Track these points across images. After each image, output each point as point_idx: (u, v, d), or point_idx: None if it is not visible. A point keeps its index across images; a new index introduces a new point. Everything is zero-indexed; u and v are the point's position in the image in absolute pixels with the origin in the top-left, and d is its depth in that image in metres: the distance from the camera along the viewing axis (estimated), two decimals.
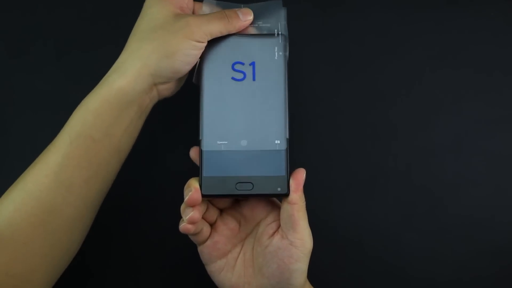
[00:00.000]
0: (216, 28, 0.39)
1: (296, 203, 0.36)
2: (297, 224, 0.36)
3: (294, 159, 0.49)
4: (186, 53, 0.38)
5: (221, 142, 0.38)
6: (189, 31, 0.37)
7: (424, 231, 0.48)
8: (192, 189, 0.36)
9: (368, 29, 0.52)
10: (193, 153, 0.39)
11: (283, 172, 0.37)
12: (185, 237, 0.47)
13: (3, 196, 0.38)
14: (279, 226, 0.38)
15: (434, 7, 0.53)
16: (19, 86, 0.51)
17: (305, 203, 0.37)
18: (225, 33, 0.39)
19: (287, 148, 0.37)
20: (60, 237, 0.37)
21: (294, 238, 0.36)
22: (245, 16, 0.40)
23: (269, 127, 0.38)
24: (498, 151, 0.49)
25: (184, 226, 0.36)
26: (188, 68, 0.39)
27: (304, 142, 0.50)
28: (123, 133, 0.38)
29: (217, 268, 0.39)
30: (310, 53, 0.52)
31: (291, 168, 0.37)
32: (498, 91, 0.51)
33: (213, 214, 0.39)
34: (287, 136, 0.38)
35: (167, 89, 0.41)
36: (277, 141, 0.38)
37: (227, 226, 0.40)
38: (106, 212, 0.48)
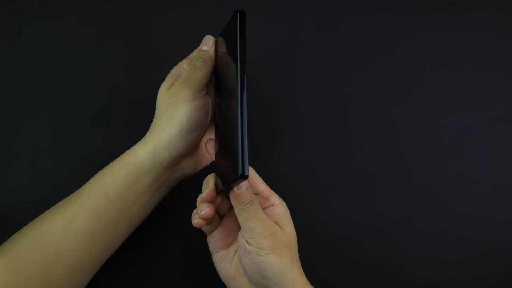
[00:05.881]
0: (198, 75, 0.40)
1: (235, 206, 0.37)
2: (244, 225, 0.37)
3: (294, 159, 0.49)
4: (188, 116, 0.39)
5: None
6: (182, 94, 0.40)
7: (424, 230, 0.48)
8: (211, 186, 0.37)
9: (368, 28, 0.52)
10: (209, 145, 0.40)
11: (239, 155, 0.33)
12: (186, 232, 0.47)
13: (20, 230, 0.40)
14: None
15: (434, 7, 0.53)
16: (20, 86, 0.51)
17: (248, 205, 0.36)
18: (210, 72, 0.40)
19: (240, 129, 0.34)
20: (59, 281, 0.39)
21: (247, 237, 0.37)
22: (204, 45, 0.41)
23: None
24: (499, 150, 0.49)
25: (197, 222, 0.38)
26: (194, 134, 0.40)
27: (304, 142, 0.50)
28: (136, 200, 0.41)
29: (219, 258, 0.41)
30: (310, 53, 0.52)
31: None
32: (498, 91, 0.51)
33: (225, 206, 0.41)
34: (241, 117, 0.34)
35: (188, 164, 0.43)
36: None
37: (232, 219, 0.41)
38: None
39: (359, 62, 0.51)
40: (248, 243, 0.37)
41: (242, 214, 0.37)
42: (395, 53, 0.52)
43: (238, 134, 0.33)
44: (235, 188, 0.36)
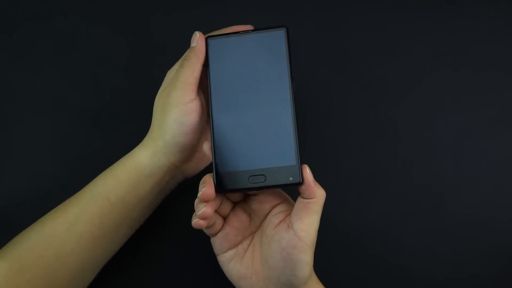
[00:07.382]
0: (184, 75, 0.39)
1: (315, 197, 0.36)
2: (307, 216, 0.36)
3: None
4: (179, 122, 0.39)
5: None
6: (171, 98, 0.39)
7: (424, 230, 0.48)
8: (206, 185, 0.37)
9: (368, 29, 0.52)
10: (206, 146, 0.39)
11: (293, 161, 0.37)
12: (188, 232, 0.47)
13: (21, 233, 0.40)
14: (285, 217, 0.38)
15: (434, 6, 0.53)
16: (20, 85, 0.51)
17: (323, 200, 0.37)
18: (197, 70, 0.39)
19: (296, 137, 0.37)
20: (61, 284, 0.39)
21: (299, 229, 0.36)
22: (193, 42, 0.40)
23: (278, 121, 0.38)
24: (499, 150, 0.49)
25: (196, 222, 0.37)
26: (187, 139, 0.40)
27: (304, 142, 0.50)
28: (138, 203, 0.41)
29: (227, 258, 0.40)
30: (310, 53, 0.52)
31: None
32: (498, 91, 0.51)
33: (226, 208, 0.40)
34: (296, 127, 0.37)
35: (188, 167, 0.43)
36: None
37: (238, 219, 0.40)
38: None
39: (359, 62, 0.51)
40: (298, 237, 0.36)
41: (313, 207, 0.36)
42: (395, 53, 0.52)
43: (295, 142, 0.37)
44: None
